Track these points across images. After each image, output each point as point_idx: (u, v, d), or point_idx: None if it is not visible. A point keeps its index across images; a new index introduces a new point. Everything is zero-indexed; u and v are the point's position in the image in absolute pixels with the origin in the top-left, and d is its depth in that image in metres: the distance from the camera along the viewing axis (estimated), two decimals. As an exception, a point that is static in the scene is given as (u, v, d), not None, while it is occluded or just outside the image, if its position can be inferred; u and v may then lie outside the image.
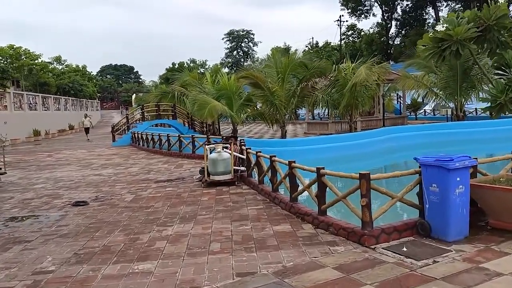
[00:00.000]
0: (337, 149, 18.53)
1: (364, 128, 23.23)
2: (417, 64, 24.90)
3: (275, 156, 8.53)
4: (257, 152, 9.67)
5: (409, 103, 32.93)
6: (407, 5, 59.76)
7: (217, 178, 10.55)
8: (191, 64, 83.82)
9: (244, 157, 11.01)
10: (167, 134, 20.13)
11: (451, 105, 26.92)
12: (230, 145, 10.94)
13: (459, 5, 57.76)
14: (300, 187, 7.46)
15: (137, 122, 29.63)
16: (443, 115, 33.49)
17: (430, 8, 58.63)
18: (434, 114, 35.56)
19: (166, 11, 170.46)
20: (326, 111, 24.95)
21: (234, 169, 10.82)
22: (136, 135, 24.74)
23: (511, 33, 6.28)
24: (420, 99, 33.53)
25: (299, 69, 19.76)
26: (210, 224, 7.06)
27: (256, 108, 24.97)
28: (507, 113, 25.33)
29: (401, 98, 34.63)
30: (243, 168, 11.01)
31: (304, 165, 7.30)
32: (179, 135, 19.19)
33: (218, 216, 7.57)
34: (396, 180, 11.64)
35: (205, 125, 29.00)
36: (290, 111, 19.84)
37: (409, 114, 32.22)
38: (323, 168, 6.55)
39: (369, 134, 20.08)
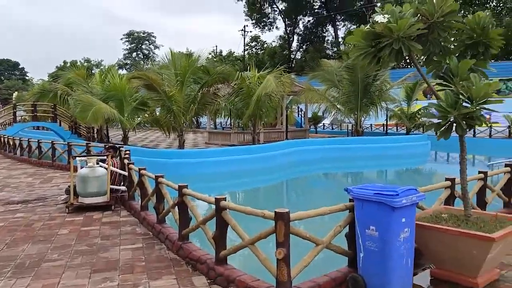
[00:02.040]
0: (240, 162, 17.04)
1: (267, 140, 22.10)
2: (320, 77, 24.63)
3: (162, 177, 6.51)
4: (140, 169, 7.54)
5: (309, 116, 32.89)
6: (308, 21, 61.52)
7: (87, 201, 8.16)
8: (85, 64, 77.55)
9: (127, 173, 8.77)
10: (38, 140, 16.77)
11: (349, 120, 27.19)
12: (108, 158, 8.63)
13: (355, 26, 61.07)
14: (194, 222, 5.55)
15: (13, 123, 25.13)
16: (341, 129, 34.12)
17: (330, 26, 61.01)
18: (333, 128, 36.15)
19: (65, 6, 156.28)
20: (229, 120, 23.37)
21: (111, 189, 8.53)
22: (2, 139, 20.65)
23: (457, 35, 5.03)
24: (320, 113, 33.80)
25: (201, 73, 17.92)
26: (58, 278, 4.81)
27: (154, 113, 22.51)
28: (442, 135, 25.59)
29: (302, 111, 34.59)
30: (123, 188, 8.78)
31: (200, 193, 5.42)
32: (52, 142, 16.01)
33: (75, 263, 5.33)
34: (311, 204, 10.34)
35: (92, 131, 25.62)
36: (189, 118, 17.82)
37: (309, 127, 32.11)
38: (225, 199, 4.73)
39: (273, 147, 18.92)
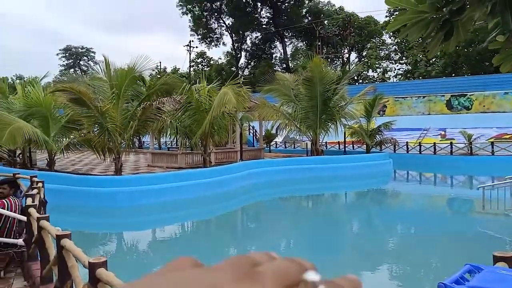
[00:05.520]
0: (190, 189, 14.49)
1: (218, 161, 19.63)
2: (276, 91, 22.69)
3: (68, 237, 3.87)
4: (39, 218, 4.82)
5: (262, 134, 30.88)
6: (256, 37, 60.32)
7: (-43, 267, 5.28)
8: (17, 81, 71.52)
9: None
10: None
11: (304, 138, 25.40)
12: (-3, 199, 5.81)
13: (302, 43, 60.70)
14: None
15: None
16: (295, 148, 32.39)
17: (278, 43, 60.15)
18: (286, 147, 34.33)
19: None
20: (175, 139, 20.72)
21: (1, 244, 5.71)
22: None
23: None
24: (274, 131, 31.91)
25: (141, 84, 15.29)
26: None
27: (91, 132, 19.34)
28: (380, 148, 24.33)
29: (254, 128, 32.51)
30: (21, 242, 5.95)
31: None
32: None
33: None
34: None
35: (14, 154, 21.84)
36: (128, 137, 15.00)
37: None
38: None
39: (228, 169, 16.53)
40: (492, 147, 23.75)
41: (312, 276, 0.33)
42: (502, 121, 28.21)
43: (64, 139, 18.10)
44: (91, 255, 5.71)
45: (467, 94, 31.48)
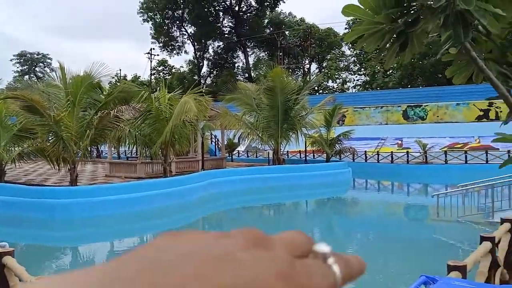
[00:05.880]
0: (150, 200, 14.14)
1: (179, 171, 19.34)
2: (238, 100, 22.71)
3: (11, 255, 3.60)
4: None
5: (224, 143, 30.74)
6: (218, 46, 60.36)
7: None
8: (-34, 87, 67.89)
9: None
10: None
11: (265, 147, 25.54)
12: None
13: (264, 53, 61.30)
14: None
15: None
16: (257, 157, 32.45)
17: (240, 53, 60.41)
18: (248, 156, 34.34)
19: None
20: (135, 148, 20.23)
21: None
22: None
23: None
24: (236, 140, 31.85)
25: (97, 92, 14.86)
26: None
27: (46, 141, 18.52)
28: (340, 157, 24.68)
29: (216, 138, 32.37)
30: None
31: None
32: None
33: None
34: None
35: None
36: (84, 147, 14.49)
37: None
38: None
39: (189, 179, 16.29)
40: (446, 156, 24.75)
41: (322, 247, 0.34)
42: (454, 131, 29.50)
43: (16, 148, 17.28)
44: (41, 272, 5.42)
45: (422, 105, 32.72)
